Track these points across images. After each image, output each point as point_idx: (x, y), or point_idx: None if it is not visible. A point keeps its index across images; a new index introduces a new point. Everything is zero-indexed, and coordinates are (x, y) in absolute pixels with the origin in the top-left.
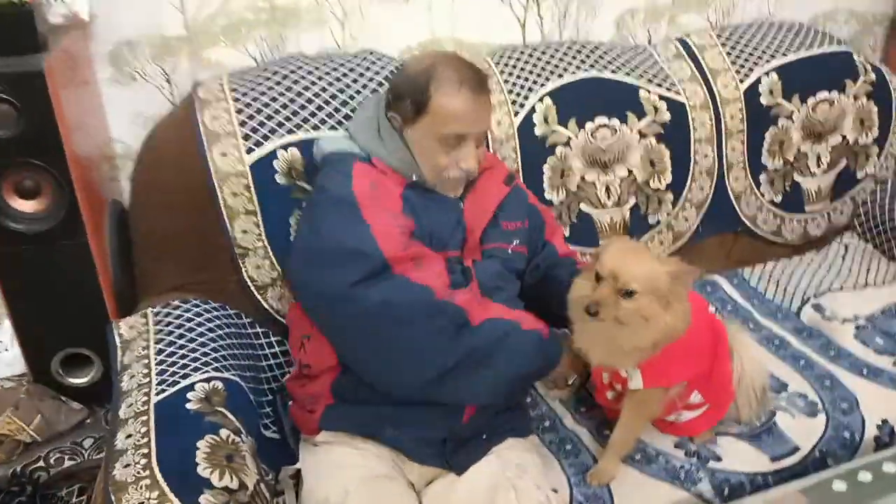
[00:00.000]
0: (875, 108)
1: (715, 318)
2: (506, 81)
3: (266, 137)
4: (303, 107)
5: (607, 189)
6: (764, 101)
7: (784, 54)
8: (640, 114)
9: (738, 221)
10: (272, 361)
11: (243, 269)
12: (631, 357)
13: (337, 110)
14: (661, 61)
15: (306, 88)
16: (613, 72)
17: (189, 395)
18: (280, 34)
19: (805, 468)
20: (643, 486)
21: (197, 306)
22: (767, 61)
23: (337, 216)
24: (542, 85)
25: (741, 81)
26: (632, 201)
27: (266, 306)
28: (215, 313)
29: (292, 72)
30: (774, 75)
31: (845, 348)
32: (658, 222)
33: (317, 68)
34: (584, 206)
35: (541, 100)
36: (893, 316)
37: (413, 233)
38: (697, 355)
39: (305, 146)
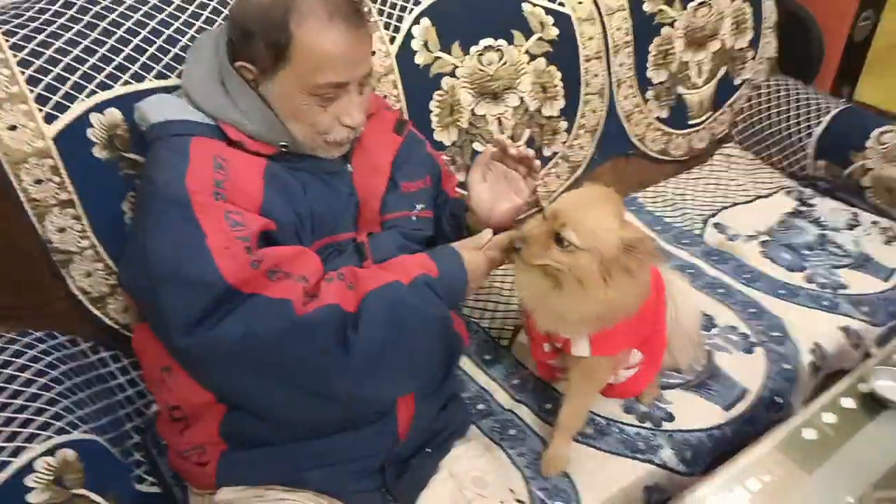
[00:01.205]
0: (749, 9)
1: (656, 271)
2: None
3: (70, 97)
4: (115, 49)
5: (499, 122)
6: (647, 7)
7: None
8: (527, 31)
9: (629, 143)
10: (130, 391)
11: (69, 280)
12: (574, 327)
13: (164, 50)
14: None
15: (116, 24)
16: None
17: (29, 479)
18: None
19: (758, 411)
20: (604, 464)
21: (12, 342)
22: None
23: (165, 225)
24: (418, 2)
25: None
26: (526, 134)
27: (108, 322)
28: (41, 347)
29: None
30: None
31: (757, 269)
32: (554, 154)
33: None
34: (477, 146)
35: (417, 20)
36: (790, 227)
37: (280, 225)
38: (645, 319)
39: (128, 103)
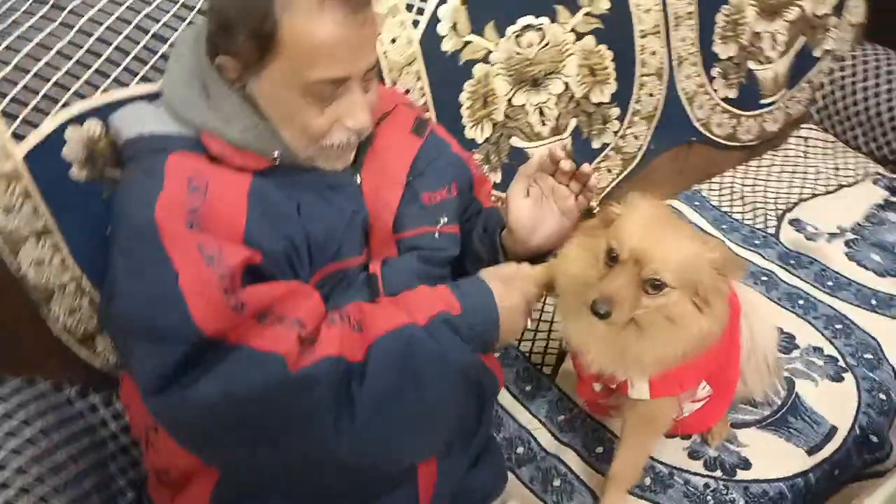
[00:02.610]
0: None
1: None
2: None
3: (41, 111)
4: (94, 52)
5: (541, 113)
6: None
7: None
8: (573, 6)
9: (692, 129)
10: (124, 440)
11: (51, 320)
12: (646, 370)
13: (150, 50)
14: None
15: (93, 23)
16: None
17: None
18: None
19: (847, 453)
20: None
21: None
22: None
23: (133, 263)
24: None
25: None
26: (572, 124)
27: (98, 364)
28: (16, 400)
29: None
30: None
31: (843, 275)
32: (604, 146)
33: None
34: (515, 141)
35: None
36: (880, 222)
37: (268, 255)
38: (716, 347)
39: (108, 113)
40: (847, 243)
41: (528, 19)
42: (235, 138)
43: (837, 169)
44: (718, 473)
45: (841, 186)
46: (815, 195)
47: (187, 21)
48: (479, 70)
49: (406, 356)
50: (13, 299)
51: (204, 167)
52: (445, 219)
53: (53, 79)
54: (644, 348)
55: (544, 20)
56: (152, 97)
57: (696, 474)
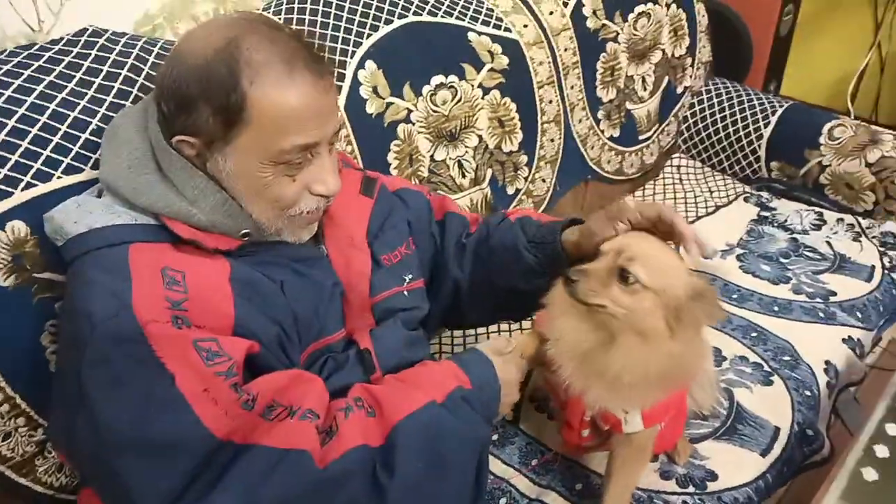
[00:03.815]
0: (684, 14)
1: None
2: (316, 47)
3: None
4: (9, 145)
5: (460, 165)
6: (590, 24)
7: None
8: (477, 63)
9: (587, 168)
10: None
11: None
12: (634, 395)
13: (71, 138)
14: None
15: (6, 113)
16: (432, 13)
17: None
18: None
19: (792, 450)
20: None
21: None
22: None
23: (115, 375)
24: (358, 43)
25: (564, 5)
26: (489, 174)
27: (40, 490)
28: None
29: None
30: None
31: (744, 287)
32: (517, 191)
33: (13, 72)
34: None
35: (361, 64)
36: (760, 235)
37: (262, 344)
38: None
39: (34, 210)
40: (738, 258)
41: (440, 78)
42: (202, 220)
43: (711, 192)
44: (692, 489)
45: (718, 207)
46: (698, 217)
47: (106, 103)
48: (402, 130)
49: (431, 438)
50: None
51: (174, 256)
52: (410, 275)
53: None
54: (618, 364)
55: (454, 78)
56: (85, 186)
57: (672, 493)
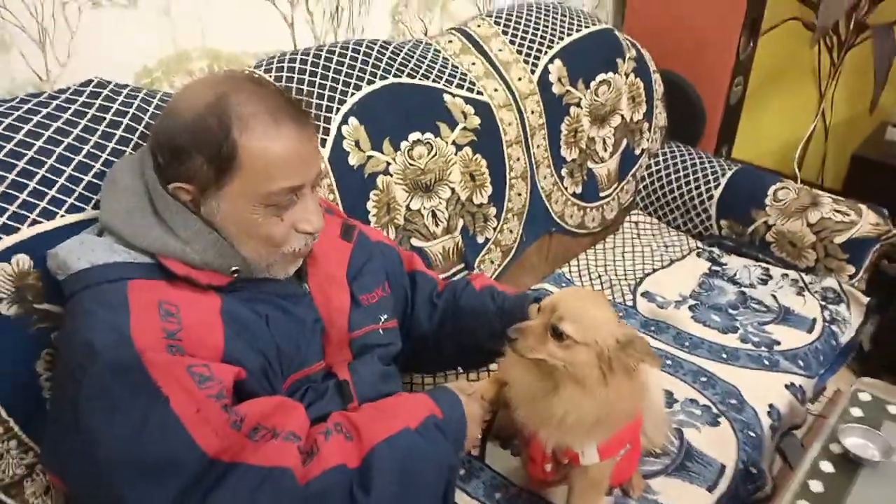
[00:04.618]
0: (641, 84)
1: None
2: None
3: None
4: (18, 185)
5: (434, 215)
6: (556, 90)
7: (560, 38)
8: (451, 122)
9: (552, 221)
10: None
11: None
12: (579, 434)
13: (75, 180)
14: (451, 57)
15: (15, 155)
16: (411, 76)
17: None
18: None
19: (739, 486)
20: None
21: None
22: (549, 47)
23: (114, 401)
24: (342, 101)
25: (532, 72)
26: (460, 224)
27: None
28: None
29: None
30: (558, 61)
31: (695, 335)
32: (487, 240)
33: (23, 118)
34: (415, 241)
35: (345, 120)
36: (710, 288)
37: (248, 371)
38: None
39: (37, 246)
40: (690, 308)
41: (417, 135)
42: (196, 259)
43: (667, 246)
44: None
45: (672, 261)
46: (654, 270)
47: (108, 149)
48: (381, 181)
49: (404, 461)
50: None
51: (169, 291)
52: (385, 315)
53: None
54: (557, 406)
55: (430, 135)
56: (84, 225)
57: None
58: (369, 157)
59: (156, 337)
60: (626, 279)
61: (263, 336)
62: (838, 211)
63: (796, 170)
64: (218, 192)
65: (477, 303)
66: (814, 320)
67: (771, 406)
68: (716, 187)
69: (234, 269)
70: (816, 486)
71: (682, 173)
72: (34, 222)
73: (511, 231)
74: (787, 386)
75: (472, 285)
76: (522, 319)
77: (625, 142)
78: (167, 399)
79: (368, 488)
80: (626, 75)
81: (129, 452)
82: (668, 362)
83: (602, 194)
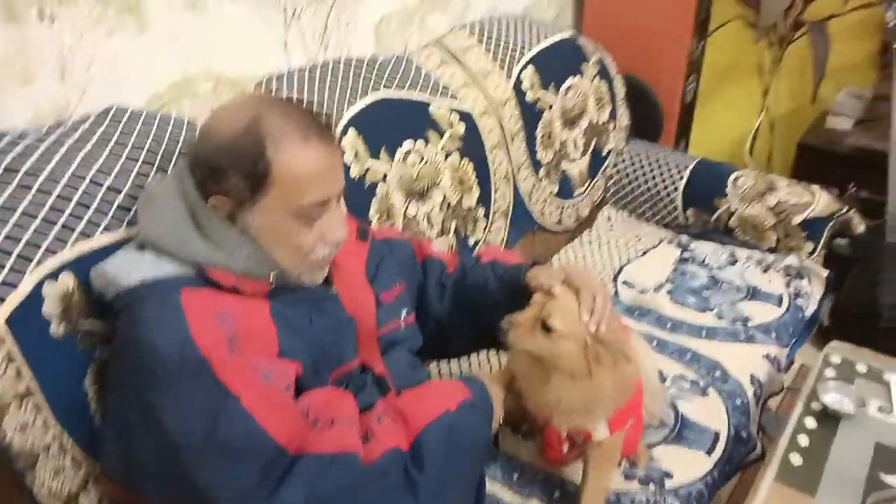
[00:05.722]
0: (605, 87)
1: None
2: (324, 116)
3: (18, 271)
4: (55, 209)
5: (428, 220)
6: (529, 96)
7: (530, 47)
8: (439, 131)
9: (533, 220)
10: None
11: (37, 486)
12: (580, 417)
13: (108, 201)
14: (432, 70)
15: (52, 180)
16: (399, 89)
17: None
18: None
19: (732, 449)
20: None
21: None
22: (521, 55)
23: (185, 395)
24: (340, 114)
25: (508, 79)
26: (454, 226)
27: None
28: None
29: (16, 158)
30: (531, 68)
31: (675, 317)
32: (477, 242)
33: (49, 147)
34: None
35: (345, 132)
36: (684, 273)
37: (303, 368)
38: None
39: (81, 265)
40: (668, 292)
41: (409, 144)
42: (240, 268)
43: (639, 238)
44: (653, 487)
45: (646, 251)
46: (630, 260)
47: (134, 171)
48: (380, 189)
49: (450, 438)
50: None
51: (219, 299)
52: (405, 311)
53: (24, 238)
54: (549, 393)
55: (421, 143)
56: (121, 243)
57: (636, 493)
58: (368, 168)
59: (218, 339)
60: (605, 270)
61: (309, 335)
62: (793, 193)
63: (747, 160)
64: (253, 206)
65: (481, 277)
66: (780, 296)
67: (752, 376)
68: (679, 179)
69: (272, 275)
70: (803, 440)
71: (647, 168)
72: (76, 242)
73: (499, 231)
74: (764, 356)
75: (480, 261)
76: (520, 289)
77: (594, 141)
78: (238, 398)
79: (422, 465)
80: (592, 79)
81: (206, 439)
82: (654, 343)
83: (576, 193)
